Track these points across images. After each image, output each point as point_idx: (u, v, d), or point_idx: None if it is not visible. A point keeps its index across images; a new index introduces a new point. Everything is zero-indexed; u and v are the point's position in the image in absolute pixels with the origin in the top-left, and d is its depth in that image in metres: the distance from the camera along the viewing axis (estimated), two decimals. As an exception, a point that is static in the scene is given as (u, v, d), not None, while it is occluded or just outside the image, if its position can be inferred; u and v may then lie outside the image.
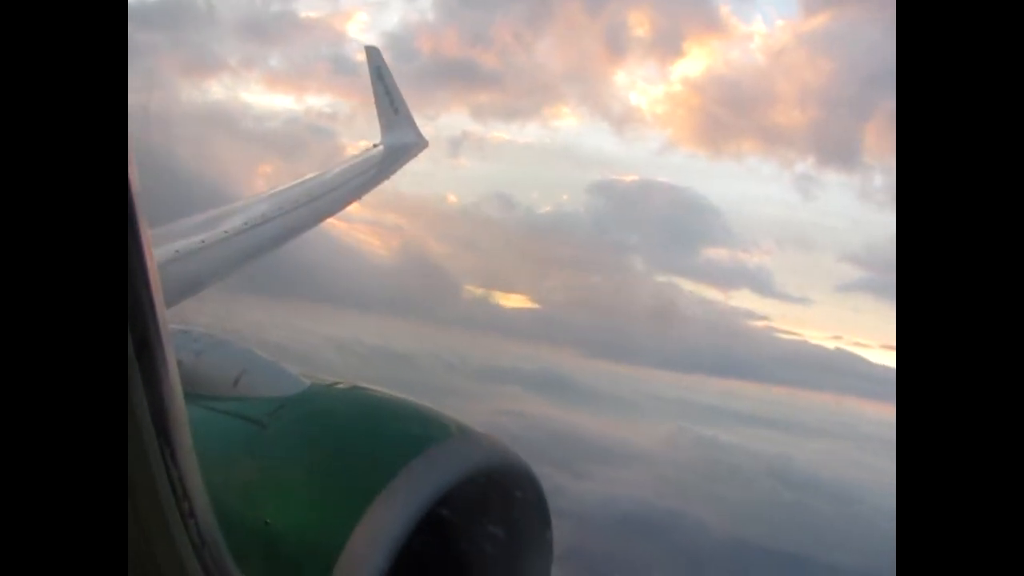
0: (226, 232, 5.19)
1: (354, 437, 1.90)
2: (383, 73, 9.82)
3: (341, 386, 2.08)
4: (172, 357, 1.20)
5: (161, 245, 4.60)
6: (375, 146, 9.08)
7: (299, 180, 7.23)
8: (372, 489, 1.69)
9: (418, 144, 9.34)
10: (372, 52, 10.08)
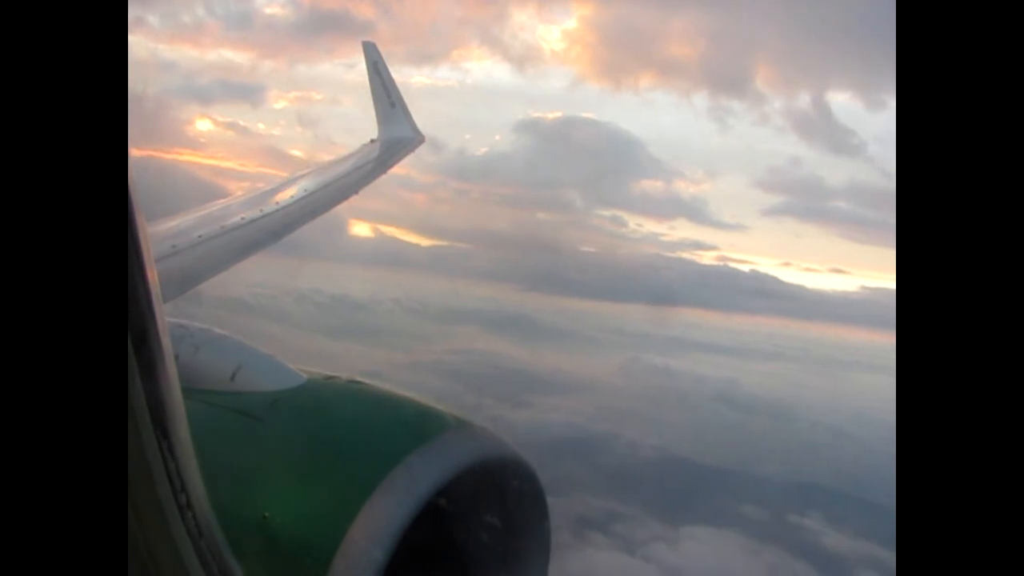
0: (223, 227, 5.06)
1: (351, 431, 1.90)
2: (380, 68, 9.58)
3: (338, 380, 2.08)
4: (169, 351, 1.20)
5: (158, 240, 4.51)
6: (372, 141, 8.87)
7: (296, 174, 7.11)
8: (369, 482, 1.69)
9: (414, 138, 9.14)
10: (369, 47, 9.83)
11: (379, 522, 1.65)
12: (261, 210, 5.58)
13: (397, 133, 9.05)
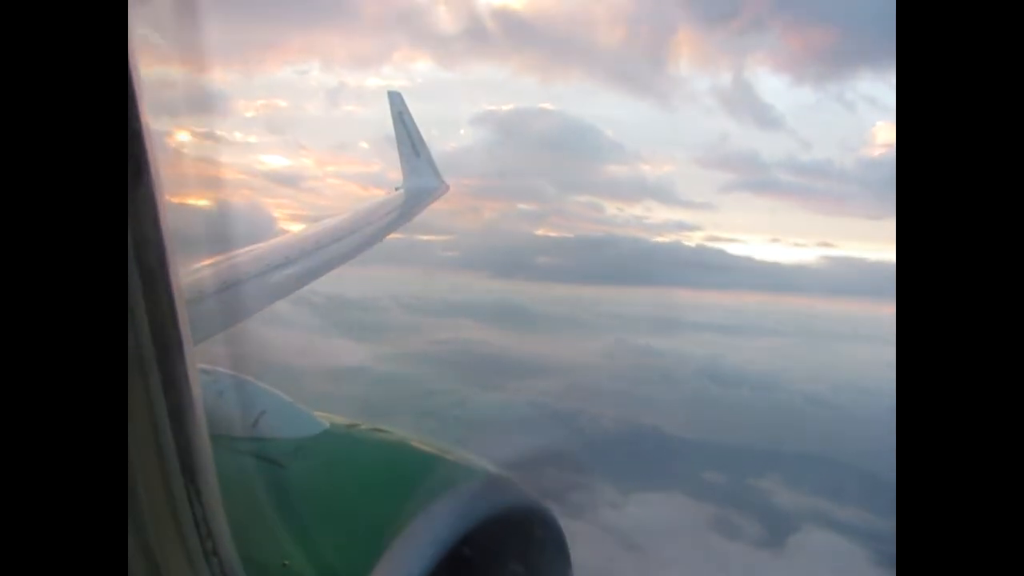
0: (247, 273, 5.05)
1: (373, 479, 1.87)
2: (405, 118, 9.68)
3: (360, 427, 2.07)
4: (199, 397, 1.19)
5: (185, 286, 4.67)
6: (396, 189, 8.95)
7: (320, 223, 7.07)
8: (390, 531, 1.65)
9: (439, 187, 9.24)
10: (394, 97, 9.90)
11: (399, 571, 1.61)
12: (286, 258, 5.60)
13: (422, 183, 9.20)
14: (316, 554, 1.70)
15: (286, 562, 1.65)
